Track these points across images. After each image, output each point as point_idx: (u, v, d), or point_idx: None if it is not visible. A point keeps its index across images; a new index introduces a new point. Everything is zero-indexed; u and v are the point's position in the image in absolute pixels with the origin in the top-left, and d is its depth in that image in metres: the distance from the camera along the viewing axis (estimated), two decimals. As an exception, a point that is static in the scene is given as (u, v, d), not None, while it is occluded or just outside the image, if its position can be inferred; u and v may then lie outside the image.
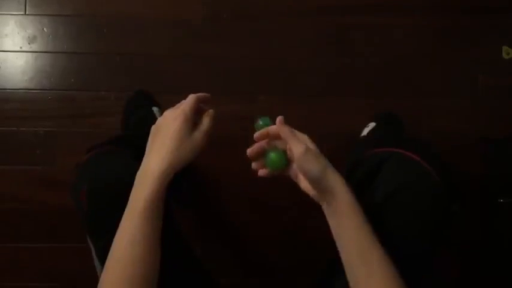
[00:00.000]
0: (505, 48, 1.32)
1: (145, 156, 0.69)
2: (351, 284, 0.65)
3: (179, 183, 1.16)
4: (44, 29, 1.29)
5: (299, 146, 0.66)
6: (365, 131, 1.25)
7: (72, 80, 1.28)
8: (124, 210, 0.66)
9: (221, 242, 1.30)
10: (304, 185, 0.70)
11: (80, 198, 0.74)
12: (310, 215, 1.25)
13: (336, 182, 0.66)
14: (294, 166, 0.71)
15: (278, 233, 1.28)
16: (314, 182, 0.66)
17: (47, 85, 1.28)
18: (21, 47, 1.28)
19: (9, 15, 1.28)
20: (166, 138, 0.68)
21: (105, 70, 1.29)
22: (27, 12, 1.29)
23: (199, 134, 0.71)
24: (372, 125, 1.24)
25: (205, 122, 0.73)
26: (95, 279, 0.66)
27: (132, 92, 1.24)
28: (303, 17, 1.31)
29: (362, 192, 0.73)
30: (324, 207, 0.67)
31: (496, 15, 1.33)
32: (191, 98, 0.73)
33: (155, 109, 1.18)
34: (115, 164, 0.76)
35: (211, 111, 0.75)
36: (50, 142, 1.27)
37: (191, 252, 0.88)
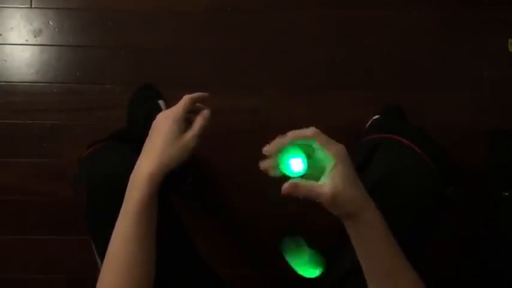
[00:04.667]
0: (511, 41, 1.31)
1: (139, 156, 0.69)
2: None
3: (184, 177, 1.17)
4: (50, 22, 1.29)
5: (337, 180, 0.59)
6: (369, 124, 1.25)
7: (78, 73, 1.29)
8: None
9: (221, 234, 1.31)
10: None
11: (80, 194, 0.75)
12: (310, 207, 1.25)
13: (367, 203, 0.62)
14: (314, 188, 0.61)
15: (278, 225, 1.29)
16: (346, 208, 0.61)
17: (53, 78, 1.29)
18: (27, 40, 1.29)
19: (15, 9, 1.29)
20: (157, 140, 0.69)
21: (110, 63, 1.29)
22: (32, 6, 1.29)
23: (190, 134, 0.70)
24: (375, 117, 1.24)
25: (197, 122, 0.72)
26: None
27: (137, 85, 1.24)
28: (306, 10, 1.31)
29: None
30: (349, 224, 0.64)
31: (503, 8, 1.32)
32: (184, 99, 0.72)
33: (161, 102, 1.18)
34: (115, 159, 0.76)
35: (205, 111, 0.74)
36: (56, 135, 1.28)
37: (192, 247, 0.88)
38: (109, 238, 0.66)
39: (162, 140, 0.68)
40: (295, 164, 0.61)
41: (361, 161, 0.80)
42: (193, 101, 0.73)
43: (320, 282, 0.86)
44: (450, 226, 1.26)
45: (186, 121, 0.72)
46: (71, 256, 1.28)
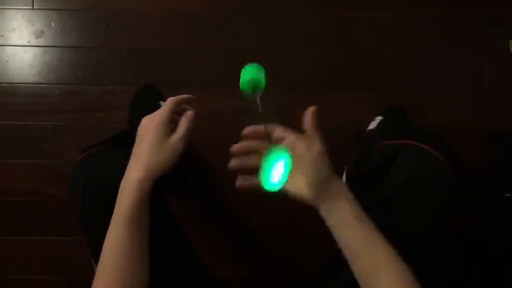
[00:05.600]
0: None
1: (129, 162, 0.69)
2: (359, 278, 0.65)
3: (185, 178, 1.17)
4: (52, 23, 1.29)
5: (320, 142, 0.69)
6: (372, 125, 1.24)
7: (79, 74, 1.29)
8: None
9: (221, 235, 1.31)
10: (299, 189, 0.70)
11: (75, 199, 0.75)
12: (310, 207, 1.25)
13: (340, 182, 0.68)
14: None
15: (278, 225, 1.29)
16: (322, 182, 0.68)
17: (54, 79, 1.29)
18: (28, 42, 1.29)
19: (16, 10, 1.29)
20: (143, 145, 0.68)
21: (111, 64, 1.29)
22: (34, 7, 1.29)
23: (175, 137, 0.70)
24: (378, 118, 1.24)
25: (182, 124, 0.71)
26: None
27: (138, 86, 1.24)
28: (306, 10, 1.31)
29: (373, 183, 0.73)
30: (324, 208, 0.69)
31: (503, 8, 1.32)
32: (168, 102, 0.72)
33: (162, 103, 1.18)
34: (109, 164, 0.75)
35: (189, 112, 0.73)
36: (58, 136, 1.28)
37: (189, 249, 0.88)
38: (103, 241, 0.66)
39: (148, 145, 0.68)
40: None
41: (379, 166, 0.79)
42: (178, 103, 0.72)
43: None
44: (450, 226, 1.26)
45: (173, 123, 0.71)
46: (72, 257, 1.28)
